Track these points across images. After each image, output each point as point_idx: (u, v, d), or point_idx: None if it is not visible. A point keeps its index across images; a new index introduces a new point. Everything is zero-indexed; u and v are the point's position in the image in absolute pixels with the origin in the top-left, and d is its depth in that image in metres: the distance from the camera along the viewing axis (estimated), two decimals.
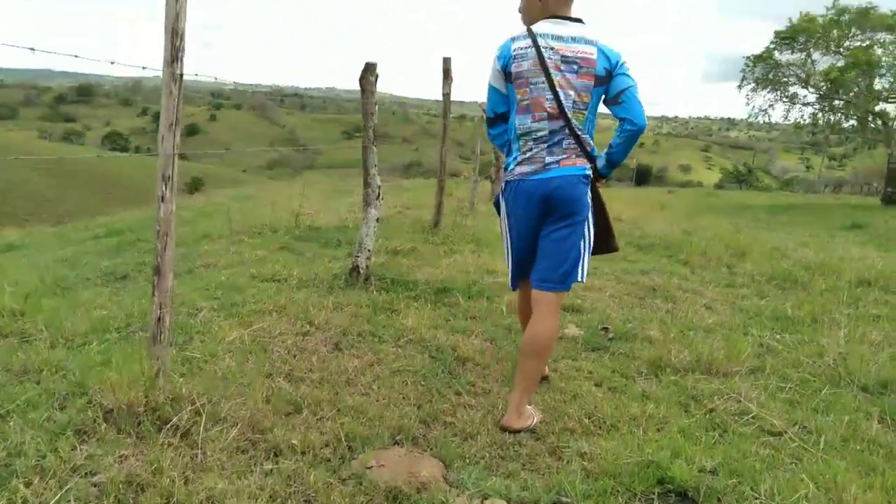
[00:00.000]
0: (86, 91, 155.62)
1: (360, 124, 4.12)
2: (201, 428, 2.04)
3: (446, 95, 5.95)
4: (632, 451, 2.15)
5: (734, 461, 2.14)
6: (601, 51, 2.35)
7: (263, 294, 3.74)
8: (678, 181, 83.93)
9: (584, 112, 2.40)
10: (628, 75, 2.38)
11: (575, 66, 2.33)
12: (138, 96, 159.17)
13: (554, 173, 2.37)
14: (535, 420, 2.39)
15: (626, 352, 3.29)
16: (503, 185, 2.52)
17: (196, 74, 3.26)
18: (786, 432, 2.44)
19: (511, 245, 2.54)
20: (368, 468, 1.92)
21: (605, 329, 3.64)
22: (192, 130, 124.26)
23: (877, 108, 17.99)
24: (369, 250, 4.09)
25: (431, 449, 2.12)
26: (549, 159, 2.38)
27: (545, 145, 2.38)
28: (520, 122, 2.40)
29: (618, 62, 2.37)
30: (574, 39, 2.33)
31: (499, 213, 2.60)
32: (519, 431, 2.30)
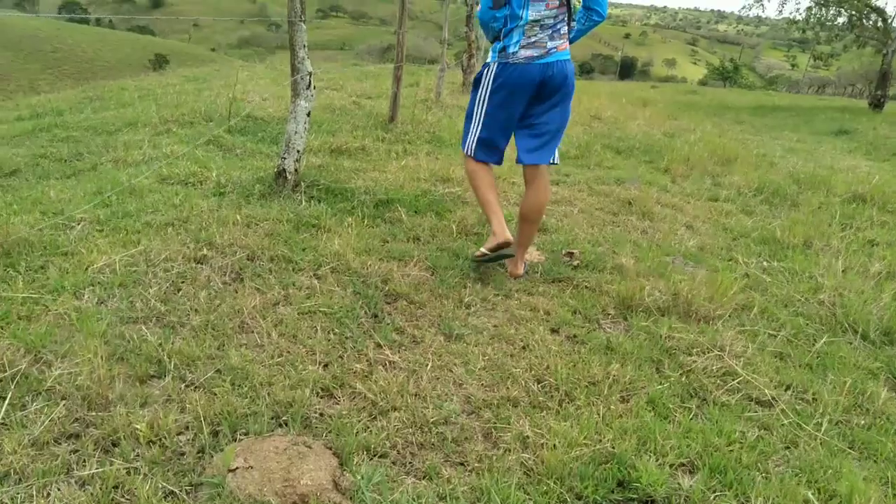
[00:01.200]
0: None
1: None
2: (5, 405, 1.49)
3: None
4: (588, 437, 1.68)
5: (715, 451, 1.68)
6: None
7: (166, 202, 3.10)
8: (662, 76, 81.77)
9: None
10: None
11: None
12: None
13: (553, 58, 2.55)
14: (539, 258, 3.03)
15: (593, 285, 2.78)
16: (498, 65, 2.58)
17: None
18: (777, 402, 1.99)
19: (492, 122, 2.64)
20: (231, 471, 1.41)
21: (570, 254, 3.11)
22: (155, 2, 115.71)
23: (875, 4, 16.90)
24: (299, 151, 3.42)
25: (327, 434, 1.61)
26: (550, 45, 2.55)
27: (549, 31, 2.54)
28: (534, 9, 2.50)
29: None
30: None
31: (477, 88, 2.67)
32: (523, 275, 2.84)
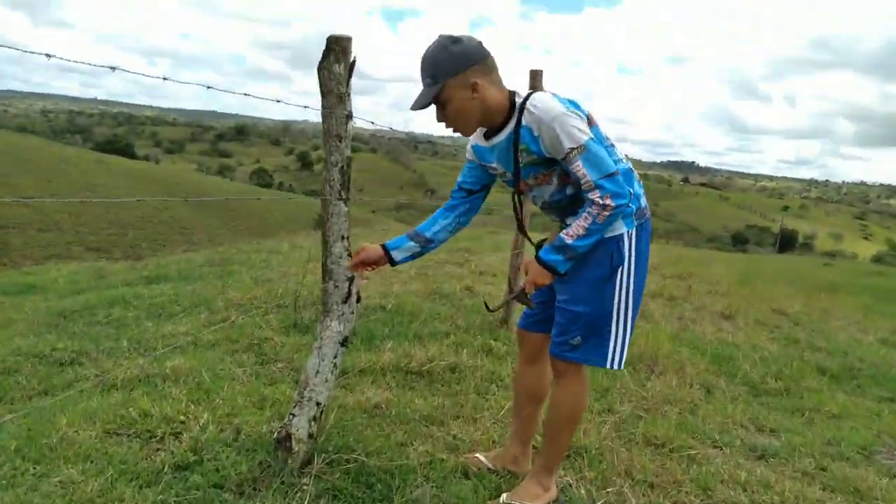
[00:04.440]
0: (242, 131, 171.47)
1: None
2: None
3: None
4: None
5: None
6: None
7: (71, 492, 1.79)
8: (826, 250, 75.18)
9: None
10: None
11: None
12: (286, 137, 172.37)
13: None
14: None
15: None
16: (636, 230, 1.94)
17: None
18: None
19: (637, 307, 2.00)
20: None
21: None
22: None
23: None
24: (319, 404, 2.04)
25: None
26: None
27: None
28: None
29: None
30: None
31: (611, 277, 1.92)
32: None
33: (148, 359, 2.96)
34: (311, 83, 1.96)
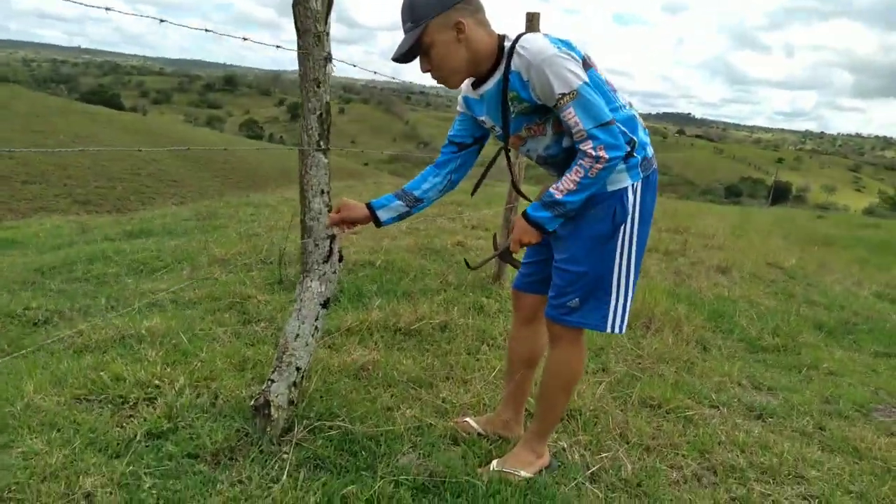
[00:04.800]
0: (231, 81, 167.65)
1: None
2: None
3: None
4: None
5: None
6: None
7: (32, 465, 1.69)
8: (819, 202, 75.32)
9: None
10: None
11: None
12: (276, 87, 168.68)
13: None
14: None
15: None
16: (642, 183, 1.77)
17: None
18: None
19: (639, 268, 1.85)
20: None
21: None
22: None
23: None
24: (300, 369, 1.93)
25: None
26: None
27: None
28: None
29: None
30: None
31: (612, 237, 1.77)
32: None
33: (123, 318, 2.83)
34: None
